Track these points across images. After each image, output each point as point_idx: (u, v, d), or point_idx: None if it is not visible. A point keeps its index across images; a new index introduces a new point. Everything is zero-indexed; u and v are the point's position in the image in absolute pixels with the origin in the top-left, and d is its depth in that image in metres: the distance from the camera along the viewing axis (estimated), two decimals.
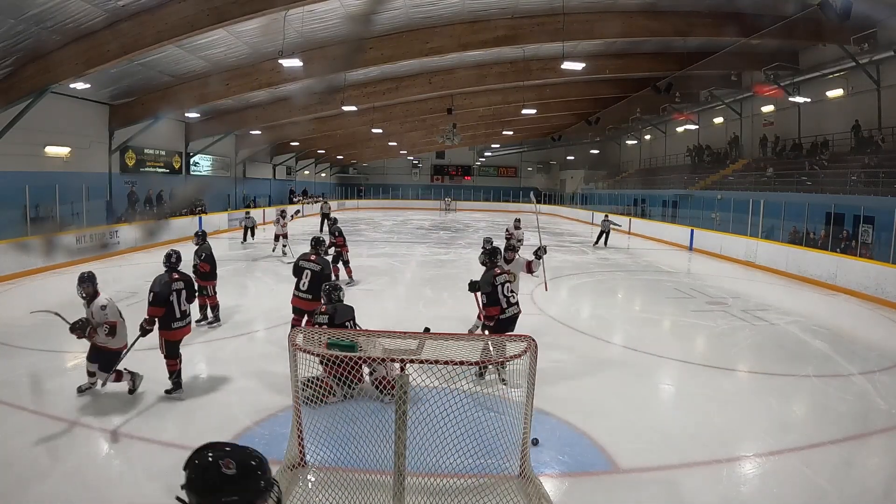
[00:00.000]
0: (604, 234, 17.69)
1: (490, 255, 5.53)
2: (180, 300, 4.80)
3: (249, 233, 17.64)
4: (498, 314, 5.11)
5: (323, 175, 40.26)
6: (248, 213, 18.37)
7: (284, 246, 13.68)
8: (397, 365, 3.00)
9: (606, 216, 18.65)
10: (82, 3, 9.43)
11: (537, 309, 8.17)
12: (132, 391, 4.75)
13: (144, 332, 4.63)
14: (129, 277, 10.46)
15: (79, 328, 4.48)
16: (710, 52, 16.12)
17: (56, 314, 4.63)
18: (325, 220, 20.48)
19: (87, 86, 12.92)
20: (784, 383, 5.54)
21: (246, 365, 5.67)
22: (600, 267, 13.46)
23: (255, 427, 4.16)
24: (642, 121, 27.27)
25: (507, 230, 12.78)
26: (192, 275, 5.50)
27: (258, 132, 22.43)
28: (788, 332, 7.48)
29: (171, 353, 4.79)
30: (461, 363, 3.40)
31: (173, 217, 16.07)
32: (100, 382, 4.70)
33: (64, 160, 14.23)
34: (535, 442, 3.84)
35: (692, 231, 17.48)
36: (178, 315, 4.77)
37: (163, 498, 3.27)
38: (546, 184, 43.51)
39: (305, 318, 5.89)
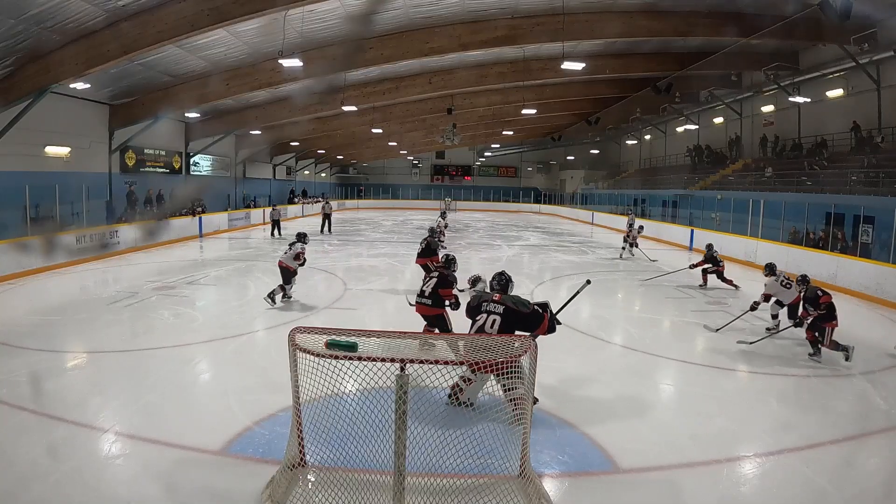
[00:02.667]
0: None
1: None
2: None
3: (276, 228, 17.48)
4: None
5: (323, 175, 40.26)
6: (274, 206, 18.32)
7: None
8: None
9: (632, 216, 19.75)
10: (82, 3, 9.43)
11: None
12: None
13: None
14: (128, 277, 10.46)
15: None
16: (710, 52, 16.12)
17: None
18: (327, 221, 20.49)
19: (87, 86, 12.91)
20: (784, 383, 5.54)
21: (246, 365, 5.67)
22: (600, 267, 13.46)
23: (255, 427, 4.15)
24: (642, 121, 27.27)
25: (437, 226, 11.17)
26: None
27: (258, 132, 22.40)
28: (788, 331, 7.46)
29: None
30: (461, 363, 3.41)
31: (173, 217, 16.08)
32: None
33: (64, 160, 14.22)
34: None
35: (692, 231, 17.47)
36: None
37: (163, 498, 3.27)
38: (546, 184, 43.54)
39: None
